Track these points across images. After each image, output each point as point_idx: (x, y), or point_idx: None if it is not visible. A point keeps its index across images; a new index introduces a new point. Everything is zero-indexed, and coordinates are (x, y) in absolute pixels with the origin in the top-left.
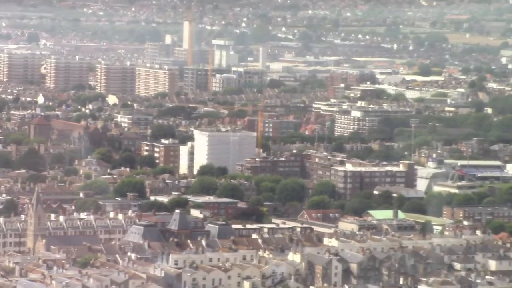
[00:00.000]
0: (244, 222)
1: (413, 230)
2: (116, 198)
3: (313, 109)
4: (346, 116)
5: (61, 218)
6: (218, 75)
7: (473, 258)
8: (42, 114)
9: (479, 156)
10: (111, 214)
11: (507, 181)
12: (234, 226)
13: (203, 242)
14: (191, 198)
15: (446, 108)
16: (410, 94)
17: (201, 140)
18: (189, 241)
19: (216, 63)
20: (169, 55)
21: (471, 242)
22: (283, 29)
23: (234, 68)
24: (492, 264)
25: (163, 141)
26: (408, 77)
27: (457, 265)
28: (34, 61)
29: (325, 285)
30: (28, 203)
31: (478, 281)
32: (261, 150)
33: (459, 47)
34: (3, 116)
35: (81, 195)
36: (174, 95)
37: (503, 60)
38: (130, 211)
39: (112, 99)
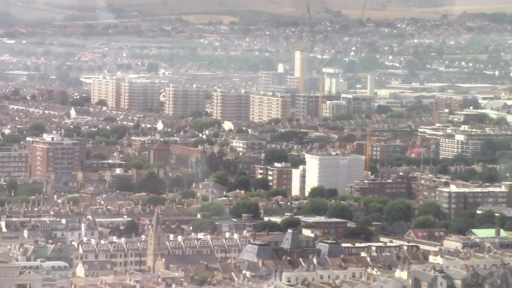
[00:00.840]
0: (353, 241)
1: None
2: (232, 219)
3: (418, 133)
4: (450, 140)
5: (180, 238)
6: (328, 102)
7: None
8: (161, 139)
9: None
10: (227, 234)
11: None
12: (343, 244)
13: (314, 260)
14: (302, 218)
15: None
16: None
17: (312, 163)
18: (301, 259)
19: (326, 90)
20: (281, 83)
21: None
22: (390, 57)
23: (343, 95)
24: None
25: (276, 164)
26: (509, 102)
27: None
28: (154, 89)
29: None
30: (148, 224)
31: None
32: (369, 173)
33: None
34: (124, 142)
35: (198, 216)
36: (287, 121)
37: None
38: (245, 231)
39: (227, 125)
